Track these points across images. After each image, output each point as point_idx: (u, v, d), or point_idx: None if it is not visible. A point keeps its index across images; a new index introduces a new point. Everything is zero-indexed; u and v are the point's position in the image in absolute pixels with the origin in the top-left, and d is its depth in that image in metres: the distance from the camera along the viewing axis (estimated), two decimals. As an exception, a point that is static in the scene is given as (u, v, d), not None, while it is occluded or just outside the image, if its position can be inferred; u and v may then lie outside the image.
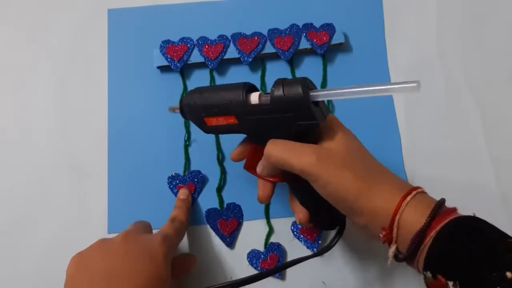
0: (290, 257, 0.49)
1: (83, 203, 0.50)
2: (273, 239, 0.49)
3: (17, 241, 0.49)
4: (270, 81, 0.54)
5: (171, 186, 0.50)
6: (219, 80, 0.54)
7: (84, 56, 0.55)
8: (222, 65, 0.54)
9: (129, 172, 0.51)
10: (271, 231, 0.49)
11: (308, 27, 0.54)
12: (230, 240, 0.49)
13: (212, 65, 0.53)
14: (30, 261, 0.48)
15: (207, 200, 0.50)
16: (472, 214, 0.33)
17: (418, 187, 0.35)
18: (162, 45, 0.53)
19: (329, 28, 0.54)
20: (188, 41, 0.53)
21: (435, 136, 0.53)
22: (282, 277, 0.48)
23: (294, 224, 0.49)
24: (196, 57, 0.53)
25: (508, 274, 0.28)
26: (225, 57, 0.53)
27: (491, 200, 0.51)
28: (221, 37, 0.53)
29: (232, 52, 0.53)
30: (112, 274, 0.35)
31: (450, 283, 0.30)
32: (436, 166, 0.52)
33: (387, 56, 0.55)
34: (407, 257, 0.33)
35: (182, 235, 0.45)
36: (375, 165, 0.37)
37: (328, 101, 0.53)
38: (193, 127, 0.52)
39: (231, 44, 0.53)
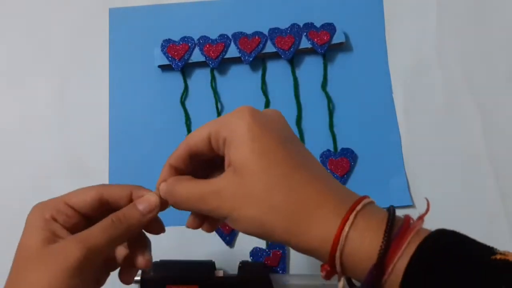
0: (292, 253, 0.49)
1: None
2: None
3: (17, 241, 0.49)
4: (270, 81, 0.54)
5: (172, 184, 0.50)
6: (220, 79, 0.54)
7: (85, 55, 0.55)
8: (223, 64, 0.54)
9: (129, 172, 0.51)
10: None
11: (309, 26, 0.54)
12: (229, 239, 0.49)
13: (213, 64, 0.53)
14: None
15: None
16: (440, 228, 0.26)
17: (361, 199, 0.27)
18: (163, 44, 0.53)
19: (329, 28, 0.54)
20: (189, 40, 0.53)
21: (434, 136, 0.53)
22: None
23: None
24: (197, 56, 0.53)
25: None
26: (226, 57, 0.53)
27: (491, 200, 0.51)
28: (222, 36, 0.53)
29: (233, 52, 0.53)
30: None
31: None
32: (436, 166, 0.52)
33: (387, 55, 0.55)
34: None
35: (117, 237, 0.31)
36: (302, 185, 0.27)
37: (328, 100, 0.53)
38: (194, 126, 0.53)
39: (232, 43, 0.53)
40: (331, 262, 0.26)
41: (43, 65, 0.54)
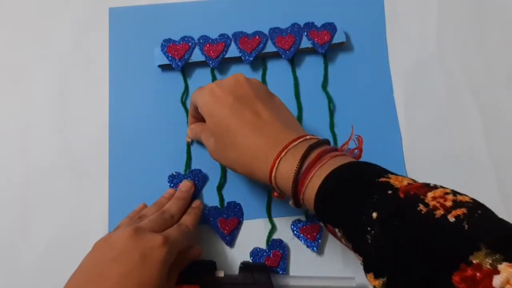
0: (292, 253, 0.49)
1: (84, 203, 0.50)
2: (274, 237, 0.49)
3: (17, 241, 0.49)
4: (271, 80, 0.54)
5: (172, 185, 0.50)
6: (220, 79, 0.54)
7: (85, 55, 0.55)
8: (223, 64, 0.54)
9: (130, 171, 0.51)
10: (273, 229, 0.49)
11: (309, 26, 0.54)
12: (230, 239, 0.49)
13: (213, 64, 0.53)
14: (30, 261, 0.48)
15: (208, 198, 0.50)
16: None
17: (294, 140, 0.36)
18: (163, 43, 0.53)
19: (330, 27, 0.54)
20: (189, 40, 0.53)
21: (435, 136, 0.53)
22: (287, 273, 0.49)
23: (294, 223, 0.49)
24: (197, 55, 0.53)
25: (374, 214, 0.29)
26: (226, 56, 0.53)
27: (491, 200, 0.50)
28: (222, 36, 0.53)
29: (233, 51, 0.53)
30: (103, 274, 0.35)
31: (336, 230, 0.33)
32: (436, 166, 0.52)
33: (388, 55, 0.55)
34: (296, 205, 0.37)
35: (188, 239, 0.43)
36: (246, 143, 0.38)
37: (328, 100, 0.53)
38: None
39: (232, 43, 0.53)
40: (273, 188, 0.38)
41: (42, 65, 0.54)
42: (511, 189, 0.51)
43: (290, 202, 0.39)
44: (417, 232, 0.28)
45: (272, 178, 0.37)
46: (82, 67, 0.54)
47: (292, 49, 0.53)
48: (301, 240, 0.49)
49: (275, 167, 0.36)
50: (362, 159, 0.51)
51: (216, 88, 0.40)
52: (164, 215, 0.43)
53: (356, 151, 0.40)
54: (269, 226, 0.50)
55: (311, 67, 0.54)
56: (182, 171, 0.51)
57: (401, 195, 0.30)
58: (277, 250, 0.48)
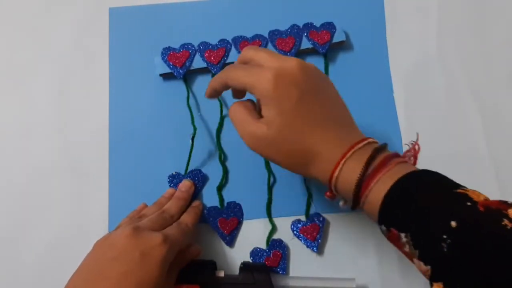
0: (292, 254, 0.49)
1: (84, 203, 0.50)
2: (273, 237, 0.49)
3: (17, 241, 0.49)
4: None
5: (172, 185, 0.50)
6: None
7: (85, 55, 0.55)
8: (225, 69, 0.54)
9: (129, 171, 0.51)
10: (273, 229, 0.49)
11: (309, 26, 0.54)
12: (229, 239, 0.49)
13: (214, 70, 0.52)
14: (30, 261, 0.48)
15: (208, 199, 0.50)
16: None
17: (360, 142, 0.35)
18: (163, 52, 0.53)
19: (329, 27, 0.54)
20: (189, 47, 0.53)
21: (435, 136, 0.53)
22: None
23: (294, 223, 0.49)
24: (198, 62, 0.53)
25: (453, 223, 0.29)
26: (227, 62, 0.52)
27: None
28: (222, 41, 0.53)
29: (234, 56, 0.53)
30: (103, 273, 0.35)
31: (402, 235, 0.32)
32: (436, 166, 0.52)
33: (388, 55, 0.55)
34: (354, 207, 0.36)
35: (188, 238, 0.43)
36: (309, 136, 0.36)
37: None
38: (199, 127, 0.53)
39: (233, 47, 0.53)
40: (330, 190, 0.37)
41: (42, 65, 0.54)
42: (511, 188, 0.51)
43: (341, 203, 0.38)
44: (502, 246, 0.27)
45: (334, 178, 0.35)
46: (82, 67, 0.54)
47: (292, 50, 0.53)
48: (301, 240, 0.49)
49: (339, 167, 0.35)
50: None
51: (280, 80, 0.35)
52: (164, 214, 0.43)
53: (411, 158, 0.38)
54: (269, 226, 0.50)
55: (311, 67, 0.54)
56: (182, 171, 0.51)
57: (481, 209, 0.29)
58: (277, 250, 0.48)
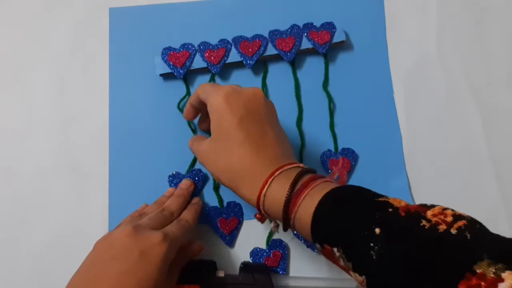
0: (292, 253, 0.49)
1: (84, 203, 0.50)
2: (273, 237, 0.49)
3: (18, 241, 0.49)
4: (272, 83, 0.54)
5: (172, 184, 0.50)
6: (222, 84, 0.53)
7: (85, 55, 0.55)
8: (225, 69, 0.53)
9: (130, 171, 0.51)
10: (273, 229, 0.49)
11: (309, 26, 0.54)
12: (230, 239, 0.49)
13: (215, 70, 0.52)
14: (31, 261, 0.48)
15: (208, 198, 0.50)
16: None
17: (281, 167, 0.37)
18: (164, 52, 0.53)
19: (329, 27, 0.54)
20: (190, 47, 0.53)
21: (435, 136, 0.53)
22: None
23: (294, 223, 0.49)
24: (198, 62, 0.53)
25: (377, 230, 0.30)
26: (227, 61, 0.52)
27: (491, 200, 0.51)
28: (223, 41, 0.53)
29: (234, 56, 0.53)
30: (103, 272, 0.35)
31: (335, 249, 0.32)
32: (436, 166, 0.52)
33: (388, 54, 0.55)
34: (285, 228, 0.37)
35: (189, 235, 0.43)
36: (241, 156, 0.38)
37: (328, 99, 0.53)
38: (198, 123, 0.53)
39: (233, 47, 0.53)
40: (260, 212, 0.38)
41: (42, 65, 0.54)
42: (511, 188, 0.51)
43: (271, 225, 0.41)
44: (423, 245, 0.28)
45: (261, 197, 0.37)
46: (82, 67, 0.54)
47: (293, 50, 0.53)
48: (301, 240, 0.49)
49: (267, 185, 0.36)
50: (363, 161, 0.52)
51: (232, 95, 0.39)
52: (164, 212, 0.43)
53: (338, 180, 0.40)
54: (269, 226, 0.50)
55: (311, 67, 0.54)
56: (182, 171, 0.51)
57: (402, 214, 0.31)
58: (277, 250, 0.48)
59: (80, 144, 0.52)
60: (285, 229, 0.37)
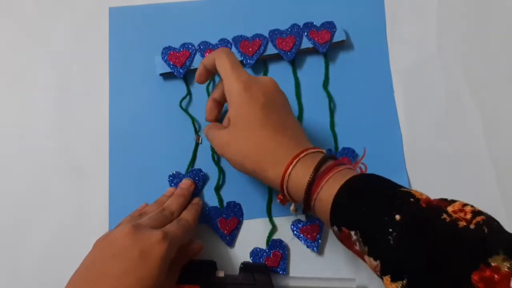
0: (292, 254, 0.49)
1: (84, 203, 0.50)
2: (273, 238, 0.49)
3: (17, 241, 0.49)
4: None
5: (172, 184, 0.50)
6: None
7: (85, 55, 0.55)
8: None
9: (130, 171, 0.51)
10: (273, 229, 0.49)
11: (309, 26, 0.54)
12: (230, 239, 0.49)
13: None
14: (30, 262, 0.48)
15: (208, 198, 0.50)
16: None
17: (305, 150, 0.38)
18: (164, 51, 0.53)
19: (330, 26, 0.54)
20: (190, 46, 0.53)
21: (435, 135, 0.53)
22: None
23: (294, 223, 0.49)
24: (198, 62, 0.52)
25: (397, 216, 0.31)
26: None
27: (491, 200, 0.51)
28: (223, 40, 0.53)
29: (234, 56, 0.53)
30: (103, 271, 0.35)
31: (352, 233, 0.33)
32: (436, 166, 0.52)
33: (388, 54, 0.55)
34: (305, 209, 0.38)
35: (189, 234, 0.43)
36: (265, 140, 0.39)
37: (328, 98, 0.53)
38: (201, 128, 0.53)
39: (233, 47, 0.53)
40: (282, 192, 0.39)
41: (42, 65, 0.54)
42: (511, 188, 0.51)
43: (292, 208, 0.42)
44: (441, 236, 0.29)
45: (286, 178, 0.38)
46: (82, 67, 0.54)
47: (293, 50, 0.53)
48: (301, 240, 0.49)
49: (292, 165, 0.37)
50: (363, 161, 0.52)
51: (253, 85, 0.40)
52: (164, 212, 0.43)
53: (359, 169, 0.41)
54: (269, 226, 0.50)
55: (311, 67, 0.54)
56: (182, 171, 0.51)
57: (423, 205, 0.32)
58: (277, 250, 0.48)
59: (80, 144, 0.52)
60: (304, 211, 0.39)
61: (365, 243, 0.33)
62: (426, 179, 0.51)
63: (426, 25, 0.56)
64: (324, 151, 0.40)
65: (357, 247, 0.34)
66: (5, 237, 0.49)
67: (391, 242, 0.31)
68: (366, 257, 0.33)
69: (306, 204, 0.38)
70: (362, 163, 0.45)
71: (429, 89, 0.54)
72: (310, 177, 0.36)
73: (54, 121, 0.52)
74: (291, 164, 0.38)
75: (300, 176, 0.37)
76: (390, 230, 0.31)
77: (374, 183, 0.35)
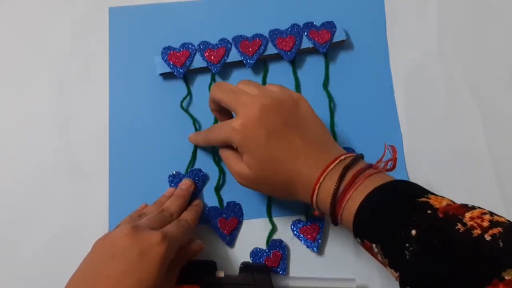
0: (292, 254, 0.49)
1: (84, 203, 0.50)
2: (273, 238, 0.49)
3: (17, 242, 0.49)
4: (272, 82, 0.53)
5: (172, 184, 0.50)
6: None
7: (85, 55, 0.55)
8: (225, 69, 0.53)
9: (130, 171, 0.51)
10: (273, 229, 0.49)
11: (309, 26, 0.54)
12: (230, 239, 0.49)
13: (215, 69, 0.52)
14: (30, 262, 0.48)
15: (208, 199, 0.50)
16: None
17: (336, 159, 0.38)
18: (164, 51, 0.52)
19: (330, 26, 0.54)
20: (190, 46, 0.53)
21: (436, 135, 0.53)
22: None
23: (294, 223, 0.49)
24: (198, 62, 0.52)
25: (413, 232, 0.31)
26: (227, 61, 0.52)
27: (491, 200, 0.51)
28: (223, 40, 0.53)
29: (234, 55, 0.52)
30: (102, 272, 0.35)
31: (374, 246, 0.35)
32: (437, 166, 0.52)
33: (388, 54, 0.55)
34: (334, 221, 0.39)
35: (188, 235, 0.43)
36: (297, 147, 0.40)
37: (328, 98, 0.53)
38: (202, 128, 0.53)
39: (233, 47, 0.53)
40: (313, 209, 0.40)
41: (42, 65, 0.54)
42: (511, 188, 0.51)
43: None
44: (454, 249, 0.29)
45: (314, 201, 0.39)
46: (82, 67, 0.54)
47: (293, 50, 0.53)
48: (301, 240, 0.49)
49: (316, 192, 0.38)
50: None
51: (246, 124, 0.40)
52: (164, 213, 0.43)
53: (390, 162, 0.40)
54: (269, 226, 0.50)
55: (312, 67, 0.54)
56: (182, 171, 0.51)
57: (440, 215, 0.31)
58: (277, 250, 0.48)
59: (80, 144, 0.52)
60: (335, 225, 0.39)
61: (385, 256, 0.34)
62: (426, 179, 0.51)
63: (426, 25, 0.56)
64: (348, 156, 0.39)
65: (380, 258, 0.35)
66: (5, 237, 0.49)
67: (407, 256, 0.31)
68: (388, 268, 0.34)
69: (334, 221, 0.39)
70: (389, 148, 0.41)
71: (429, 89, 0.54)
72: (331, 198, 0.37)
73: (54, 121, 0.52)
74: (314, 190, 0.38)
75: (325, 196, 0.38)
76: (407, 245, 0.31)
77: (393, 194, 0.35)
